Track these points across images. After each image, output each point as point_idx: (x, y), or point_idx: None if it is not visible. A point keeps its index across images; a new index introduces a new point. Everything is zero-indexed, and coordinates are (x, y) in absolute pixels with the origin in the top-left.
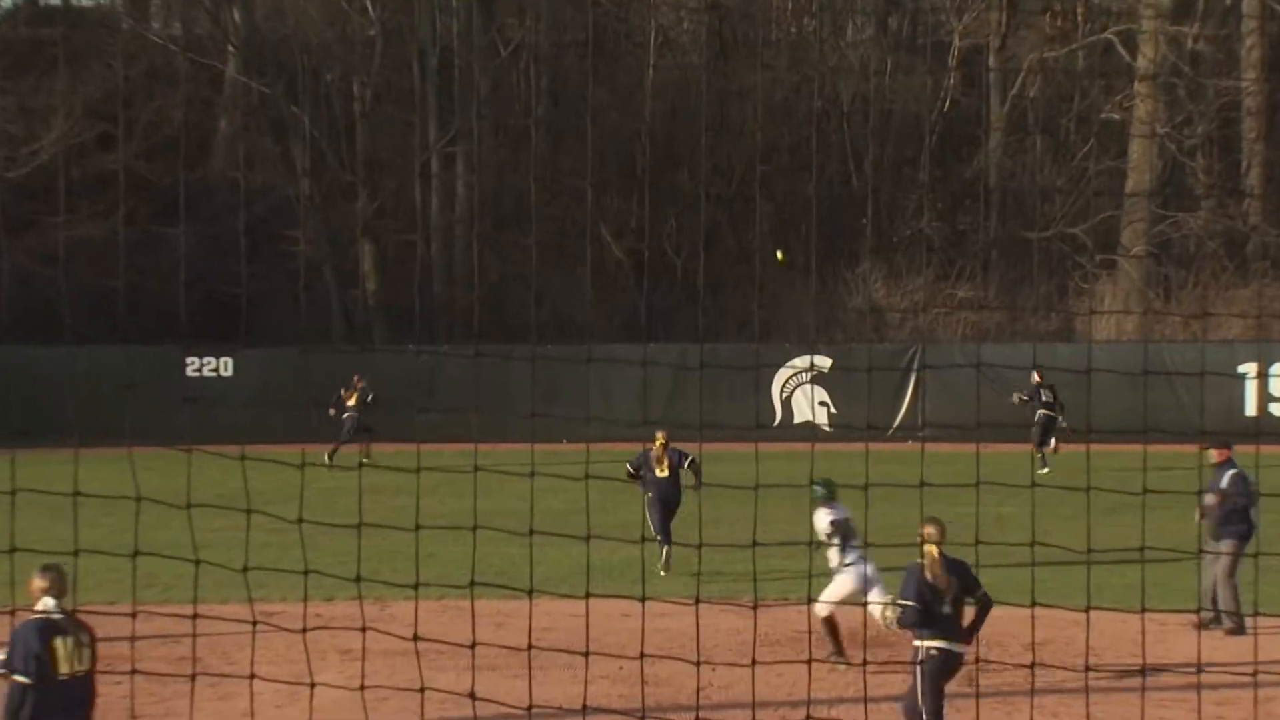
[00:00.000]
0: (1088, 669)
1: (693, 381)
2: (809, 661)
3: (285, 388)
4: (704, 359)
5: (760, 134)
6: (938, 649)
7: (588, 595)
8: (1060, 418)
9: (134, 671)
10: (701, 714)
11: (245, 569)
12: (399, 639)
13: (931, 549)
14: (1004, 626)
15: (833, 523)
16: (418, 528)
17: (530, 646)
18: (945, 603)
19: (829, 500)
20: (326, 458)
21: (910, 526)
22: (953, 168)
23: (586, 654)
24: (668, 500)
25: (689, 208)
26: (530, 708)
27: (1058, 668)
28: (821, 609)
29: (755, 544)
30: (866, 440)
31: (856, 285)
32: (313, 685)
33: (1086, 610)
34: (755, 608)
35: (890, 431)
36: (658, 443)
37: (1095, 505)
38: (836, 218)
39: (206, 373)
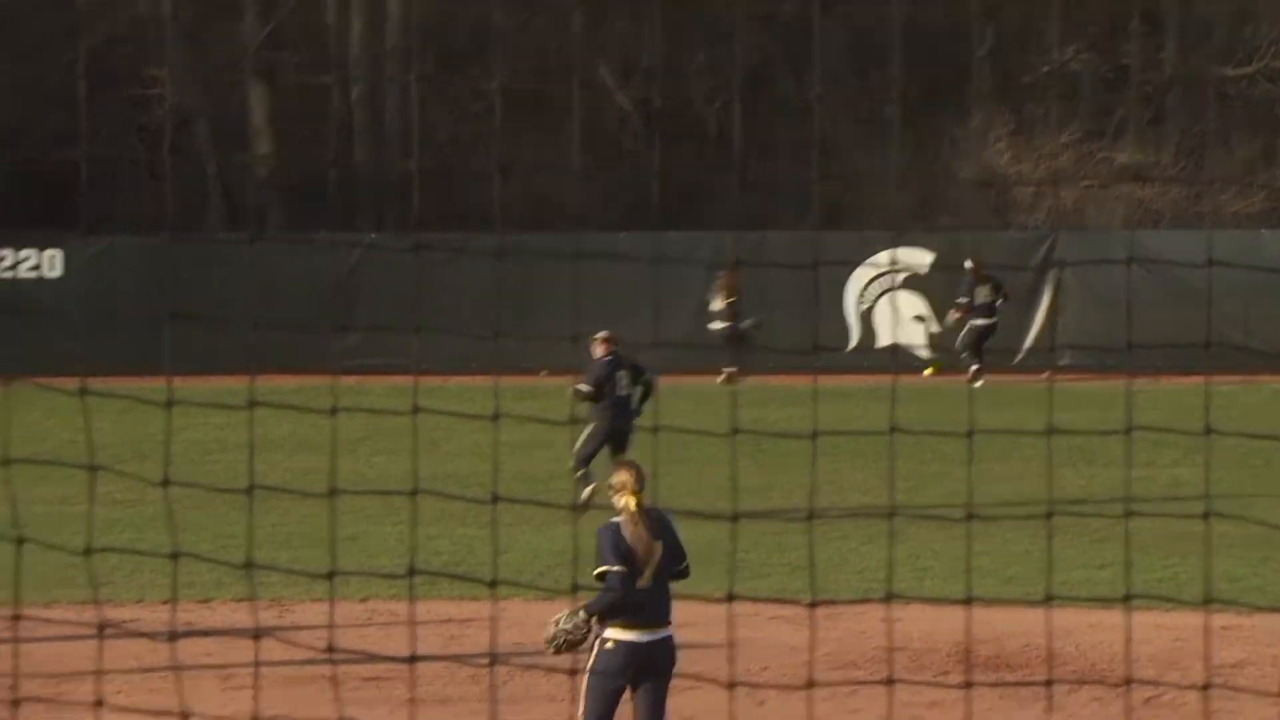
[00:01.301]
0: None
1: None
2: (889, 681)
3: (138, 294)
4: (745, 254)
5: None
6: (621, 642)
7: (575, 590)
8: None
9: None
10: None
11: (87, 552)
12: (305, 655)
13: (630, 501)
14: (1179, 639)
15: None
16: (333, 493)
17: (493, 662)
18: (644, 575)
19: None
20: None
21: (1038, 496)
22: None
23: (573, 673)
24: (624, 429)
25: (725, 36)
26: None
27: (1248, 691)
28: None
29: (812, 516)
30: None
31: (968, 146)
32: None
33: None
34: (813, 606)
35: (1018, 358)
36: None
37: None
38: (939, 47)
39: (24, 272)
